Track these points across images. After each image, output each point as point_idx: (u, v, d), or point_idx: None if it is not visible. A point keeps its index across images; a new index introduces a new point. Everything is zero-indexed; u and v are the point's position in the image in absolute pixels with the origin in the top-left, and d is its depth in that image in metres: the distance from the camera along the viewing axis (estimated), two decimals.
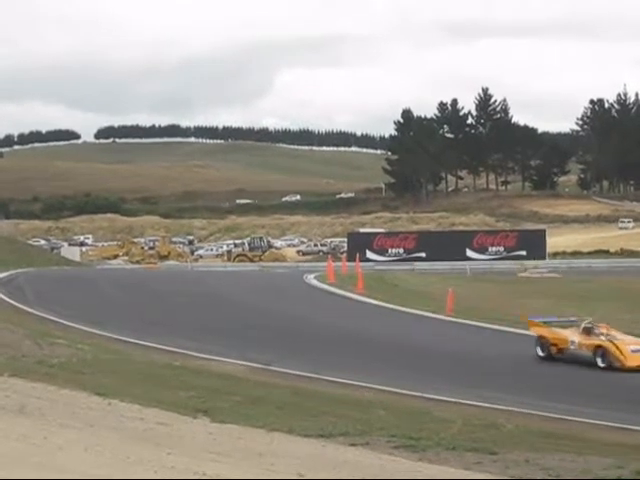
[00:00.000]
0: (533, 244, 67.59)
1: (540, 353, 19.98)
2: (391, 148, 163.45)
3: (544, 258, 66.99)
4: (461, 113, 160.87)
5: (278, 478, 8.64)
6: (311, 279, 40.88)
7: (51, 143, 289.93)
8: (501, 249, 67.63)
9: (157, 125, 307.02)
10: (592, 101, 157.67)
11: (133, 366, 16.30)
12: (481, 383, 15.86)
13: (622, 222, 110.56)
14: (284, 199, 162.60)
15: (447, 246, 66.84)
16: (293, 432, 11.06)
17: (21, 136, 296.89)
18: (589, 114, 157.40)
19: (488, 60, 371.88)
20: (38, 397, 12.68)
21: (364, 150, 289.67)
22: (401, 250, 68.17)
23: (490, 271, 56.16)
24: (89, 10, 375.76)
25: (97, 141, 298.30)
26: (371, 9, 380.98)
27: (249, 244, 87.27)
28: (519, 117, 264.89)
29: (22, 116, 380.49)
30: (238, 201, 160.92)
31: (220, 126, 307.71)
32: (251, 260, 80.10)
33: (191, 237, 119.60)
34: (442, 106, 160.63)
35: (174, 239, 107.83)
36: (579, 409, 13.45)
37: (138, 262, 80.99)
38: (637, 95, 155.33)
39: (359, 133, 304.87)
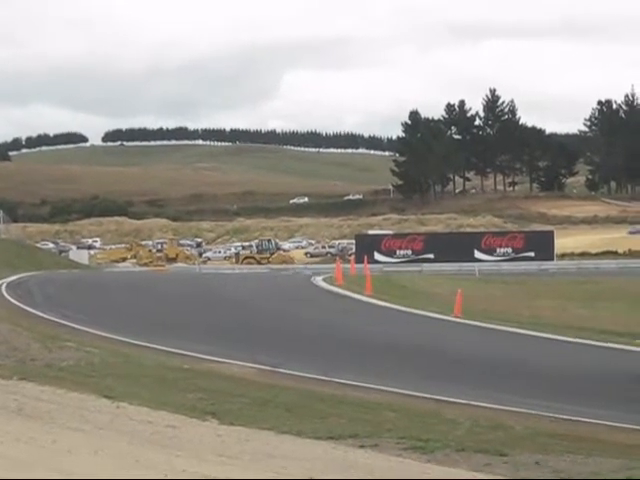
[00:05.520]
0: (541, 245, 67.62)
1: None
2: (399, 150, 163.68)
3: (552, 259, 67.03)
4: (469, 114, 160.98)
5: None
6: (319, 281, 40.86)
7: (59, 146, 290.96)
8: (509, 250, 67.65)
9: (164, 128, 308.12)
10: (600, 102, 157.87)
11: (141, 369, 16.30)
12: (489, 384, 15.82)
13: None
14: (292, 201, 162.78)
15: (455, 247, 66.95)
16: (302, 434, 11.04)
17: (29, 139, 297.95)
18: (597, 115, 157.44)
19: (495, 61, 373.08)
20: (47, 400, 12.69)
21: (372, 152, 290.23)
22: (409, 252, 68.21)
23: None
24: (95, 13, 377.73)
25: (105, 144, 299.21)
26: (376, 11, 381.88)
27: (257, 246, 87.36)
28: (527, 118, 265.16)
29: (30, 120, 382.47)
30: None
31: (227, 128, 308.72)
32: (259, 262, 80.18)
33: (199, 239, 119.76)
34: (449, 107, 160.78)
35: (182, 242, 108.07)
36: (589, 410, 13.40)
37: (146, 265, 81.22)
38: None
39: (367, 135, 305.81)
